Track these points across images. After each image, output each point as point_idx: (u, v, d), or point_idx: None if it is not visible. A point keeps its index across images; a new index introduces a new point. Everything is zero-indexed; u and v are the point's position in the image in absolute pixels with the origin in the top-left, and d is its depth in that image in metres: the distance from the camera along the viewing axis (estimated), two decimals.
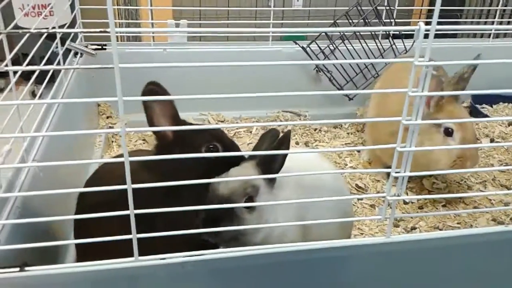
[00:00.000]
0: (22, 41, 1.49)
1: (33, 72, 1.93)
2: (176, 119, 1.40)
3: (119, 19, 3.36)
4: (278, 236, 1.33)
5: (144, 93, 1.38)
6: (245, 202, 1.28)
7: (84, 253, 1.54)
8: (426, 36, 1.05)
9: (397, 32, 2.79)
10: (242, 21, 3.18)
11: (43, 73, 1.97)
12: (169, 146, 1.39)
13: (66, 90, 2.10)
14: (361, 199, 2.16)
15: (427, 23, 1.08)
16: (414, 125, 1.14)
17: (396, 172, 1.18)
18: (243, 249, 1.20)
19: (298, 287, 1.25)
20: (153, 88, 1.37)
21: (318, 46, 2.66)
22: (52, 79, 1.97)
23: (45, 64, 1.86)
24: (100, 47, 2.54)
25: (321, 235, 1.28)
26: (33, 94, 3.48)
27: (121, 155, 1.95)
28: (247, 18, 3.59)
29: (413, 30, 1.07)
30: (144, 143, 2.60)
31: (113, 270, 1.14)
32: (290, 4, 4.44)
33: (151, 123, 1.38)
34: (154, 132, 1.43)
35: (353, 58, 2.68)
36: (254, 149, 1.46)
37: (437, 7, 1.01)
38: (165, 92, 1.39)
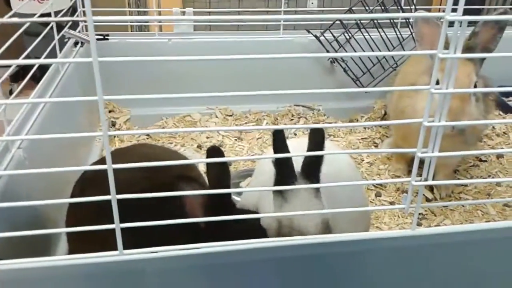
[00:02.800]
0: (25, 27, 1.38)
1: (44, 74, 1.86)
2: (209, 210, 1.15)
3: (128, 7, 3.25)
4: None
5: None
6: None
7: (75, 243, 1.40)
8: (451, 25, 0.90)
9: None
10: (253, 9, 3.04)
11: (44, 72, 1.89)
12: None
13: (61, 80, 1.97)
14: (380, 195, 1.98)
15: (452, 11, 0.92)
16: (445, 94, 0.97)
17: (422, 153, 1.01)
18: (248, 242, 1.04)
19: (312, 284, 1.08)
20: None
21: (332, 35, 2.50)
22: None
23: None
24: (102, 37, 2.42)
25: (344, 230, 1.11)
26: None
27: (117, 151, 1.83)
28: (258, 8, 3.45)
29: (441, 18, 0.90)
30: (148, 138, 2.46)
31: (93, 265, 0.99)
32: (304, 5, 4.30)
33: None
34: None
35: (370, 48, 2.51)
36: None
37: None
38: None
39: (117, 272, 1.02)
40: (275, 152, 1.15)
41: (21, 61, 0.91)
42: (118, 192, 0.97)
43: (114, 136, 2.41)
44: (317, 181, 1.12)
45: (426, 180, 1.03)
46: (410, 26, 2.56)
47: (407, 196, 1.08)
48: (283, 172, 1.13)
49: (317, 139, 1.10)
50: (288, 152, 1.13)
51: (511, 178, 2.05)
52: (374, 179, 2.08)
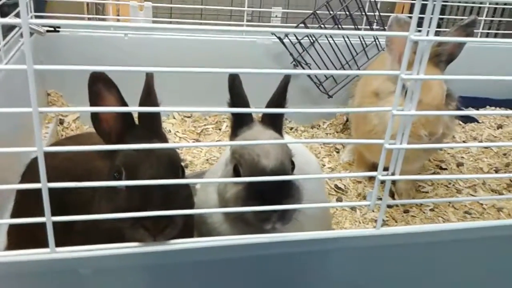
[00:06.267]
0: None
1: None
2: (124, 120, 1.07)
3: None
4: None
5: (90, 84, 1.06)
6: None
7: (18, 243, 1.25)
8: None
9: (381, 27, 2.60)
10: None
11: None
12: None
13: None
14: (341, 200, 1.92)
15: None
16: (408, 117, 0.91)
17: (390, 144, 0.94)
18: (195, 241, 0.94)
19: (272, 284, 0.99)
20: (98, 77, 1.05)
21: (296, 37, 2.44)
22: None
23: None
24: (53, 29, 2.27)
25: (306, 227, 1.02)
26: None
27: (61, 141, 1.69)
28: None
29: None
30: None
31: (18, 264, 0.86)
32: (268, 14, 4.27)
33: (96, 118, 1.07)
34: (96, 128, 1.10)
35: (334, 52, 2.47)
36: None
37: None
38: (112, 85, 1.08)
39: (48, 272, 0.89)
40: (231, 95, 1.13)
41: None
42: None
43: (62, 135, 2.26)
44: (279, 130, 1.15)
45: (393, 174, 0.97)
46: (372, 25, 2.55)
47: (371, 192, 1.00)
48: (240, 115, 1.14)
49: (283, 85, 1.16)
50: (244, 96, 1.13)
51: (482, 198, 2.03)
52: (336, 184, 2.02)
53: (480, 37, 2.81)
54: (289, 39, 2.44)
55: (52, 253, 0.88)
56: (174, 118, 2.47)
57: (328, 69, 2.50)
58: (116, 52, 2.32)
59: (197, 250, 0.93)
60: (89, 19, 2.58)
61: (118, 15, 2.46)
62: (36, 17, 2.25)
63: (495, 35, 3.45)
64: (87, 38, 2.31)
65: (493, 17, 3.55)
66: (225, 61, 2.36)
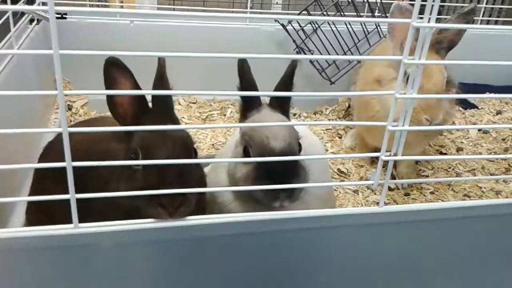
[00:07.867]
0: None
1: None
2: (139, 104, 1.12)
3: None
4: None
5: (105, 69, 1.11)
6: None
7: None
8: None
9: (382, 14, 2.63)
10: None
11: None
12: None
13: (11, 59, 1.84)
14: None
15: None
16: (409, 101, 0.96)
17: (392, 127, 0.99)
18: (207, 217, 1.00)
19: (272, 259, 1.04)
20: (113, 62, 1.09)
21: (299, 24, 2.48)
22: None
23: None
24: (60, 15, 2.30)
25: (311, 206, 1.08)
26: None
27: (76, 124, 1.74)
28: None
29: None
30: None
31: (44, 238, 0.92)
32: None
33: (112, 103, 1.12)
34: (113, 112, 1.14)
35: (336, 39, 2.51)
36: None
37: None
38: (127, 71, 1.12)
39: (72, 246, 0.95)
40: (241, 79, 1.19)
41: None
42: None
43: (71, 121, 2.30)
44: (286, 113, 1.20)
45: (395, 155, 1.02)
46: (374, 14, 2.59)
47: (375, 172, 1.05)
48: (249, 99, 1.19)
49: (290, 70, 1.23)
50: (253, 80, 1.18)
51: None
52: (339, 168, 2.07)
53: (481, 24, 2.84)
54: (292, 26, 2.48)
55: (75, 228, 0.93)
56: (180, 104, 2.51)
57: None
58: (122, 39, 2.36)
59: (209, 226, 0.99)
60: (91, 6, 2.60)
61: (122, 2, 2.48)
62: (43, 4, 2.28)
63: (496, 23, 3.48)
64: (94, 25, 2.35)
65: (493, 4, 3.58)
66: (228, 48, 2.40)
